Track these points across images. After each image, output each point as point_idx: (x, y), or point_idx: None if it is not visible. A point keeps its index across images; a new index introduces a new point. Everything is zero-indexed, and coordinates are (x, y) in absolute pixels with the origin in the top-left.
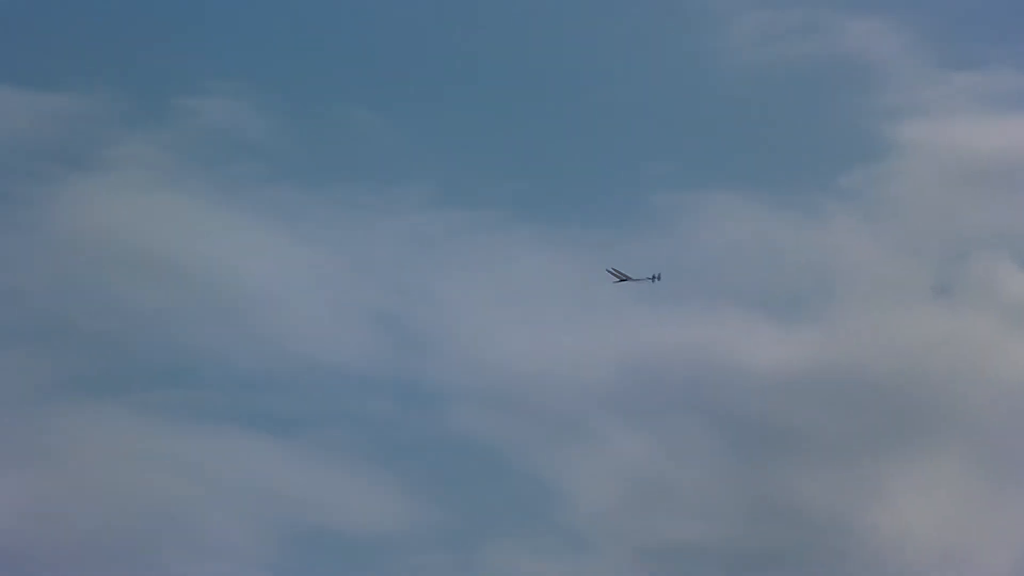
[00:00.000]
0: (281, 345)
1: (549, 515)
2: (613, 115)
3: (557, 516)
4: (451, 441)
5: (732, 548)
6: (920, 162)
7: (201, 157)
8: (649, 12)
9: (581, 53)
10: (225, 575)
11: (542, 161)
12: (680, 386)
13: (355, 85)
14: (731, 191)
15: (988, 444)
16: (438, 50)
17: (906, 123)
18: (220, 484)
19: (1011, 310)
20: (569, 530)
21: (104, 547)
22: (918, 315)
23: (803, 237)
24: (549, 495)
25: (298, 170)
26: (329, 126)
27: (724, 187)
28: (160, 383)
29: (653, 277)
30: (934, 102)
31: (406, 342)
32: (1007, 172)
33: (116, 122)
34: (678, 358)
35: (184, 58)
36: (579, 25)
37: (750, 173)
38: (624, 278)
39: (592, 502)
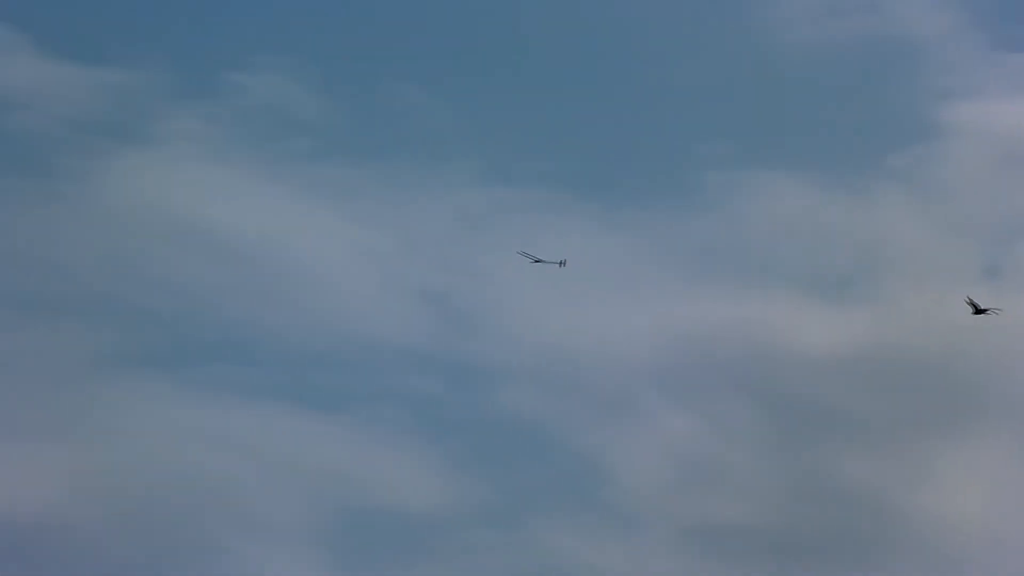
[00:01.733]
0: (328, 322)
1: (596, 494)
2: (663, 92)
3: (604, 495)
4: (498, 419)
5: (779, 530)
6: (970, 144)
7: (249, 132)
8: None
9: (631, 27)
10: (272, 552)
11: (590, 138)
12: (728, 366)
13: (402, 61)
14: (781, 170)
15: None
16: (484, 25)
17: (957, 104)
18: (267, 460)
19: None
20: (615, 509)
21: (150, 523)
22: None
23: (852, 217)
24: (596, 474)
25: (345, 146)
26: (376, 102)
27: (774, 166)
28: (207, 359)
29: (560, 262)
30: (986, 84)
31: (453, 320)
32: None
33: (164, 96)
34: (726, 337)
35: (232, 33)
36: None
37: (800, 152)
38: (537, 260)
39: (639, 481)
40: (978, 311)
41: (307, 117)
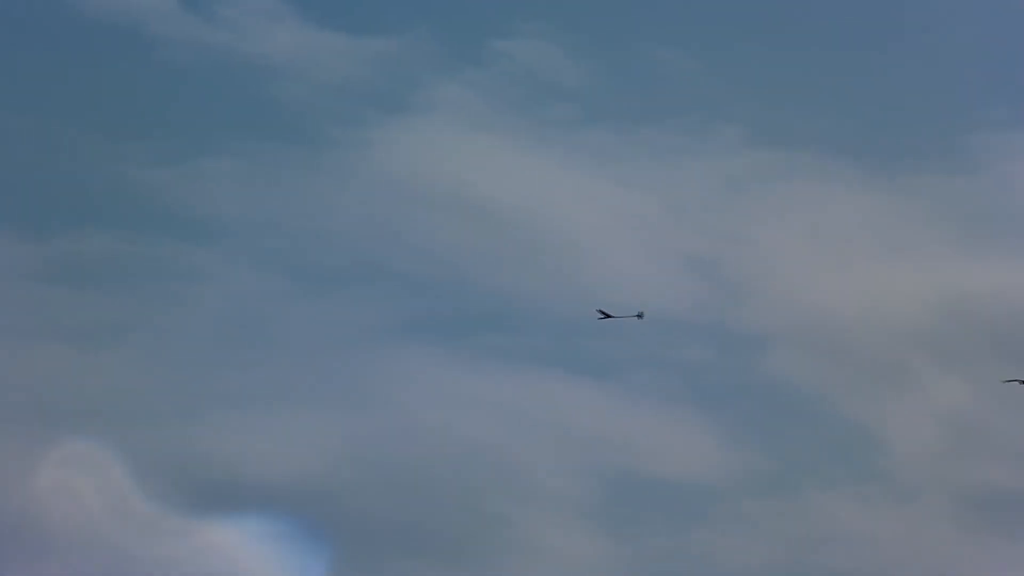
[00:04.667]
0: (596, 289)
1: (869, 461)
2: (934, 52)
3: (877, 462)
4: (768, 386)
5: None
6: None
7: (515, 100)
8: None
9: None
10: (543, 518)
11: (859, 101)
12: (1000, 329)
13: (666, 25)
14: None
15: None
16: None
17: None
18: (539, 429)
19: None
20: (889, 477)
21: (424, 490)
22: None
23: None
24: (868, 441)
25: (611, 112)
26: (641, 67)
27: None
28: (478, 328)
29: (639, 315)
30: None
31: (721, 286)
32: None
33: (429, 65)
34: (998, 301)
35: (498, 0)
36: None
37: None
38: (607, 315)
39: (913, 449)
40: None
41: (572, 84)
